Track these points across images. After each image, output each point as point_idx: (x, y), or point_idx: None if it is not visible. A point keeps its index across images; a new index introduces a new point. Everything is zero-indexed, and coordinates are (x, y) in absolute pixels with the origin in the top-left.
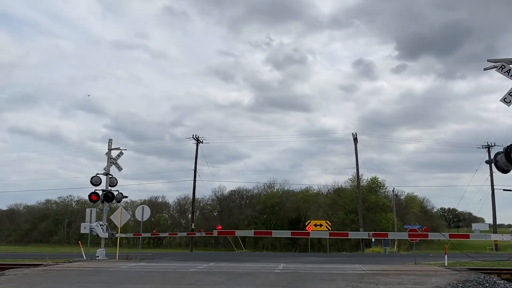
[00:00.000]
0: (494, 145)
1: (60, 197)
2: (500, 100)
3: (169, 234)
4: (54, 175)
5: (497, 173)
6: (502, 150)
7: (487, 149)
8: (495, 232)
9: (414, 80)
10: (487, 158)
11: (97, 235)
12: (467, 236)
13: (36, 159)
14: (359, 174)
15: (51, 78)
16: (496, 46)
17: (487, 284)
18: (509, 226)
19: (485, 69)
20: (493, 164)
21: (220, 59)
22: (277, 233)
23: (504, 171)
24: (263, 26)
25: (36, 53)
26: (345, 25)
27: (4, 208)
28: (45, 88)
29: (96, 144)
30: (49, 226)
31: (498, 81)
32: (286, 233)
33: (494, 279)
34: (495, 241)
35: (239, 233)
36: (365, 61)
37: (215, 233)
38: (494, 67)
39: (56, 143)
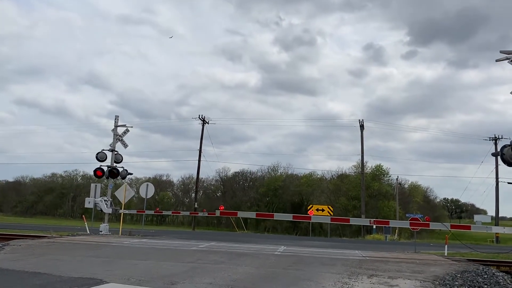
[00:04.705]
0: (502, 138)
1: (66, 171)
2: (511, 93)
3: (172, 213)
4: (60, 149)
5: (502, 166)
6: (509, 143)
7: (494, 141)
8: (496, 224)
9: (423, 67)
10: (494, 151)
11: (101, 210)
12: (469, 227)
13: (43, 132)
14: (364, 161)
15: (57, 51)
16: None
17: (486, 276)
18: (511, 219)
19: (497, 60)
20: (499, 157)
21: (228, 38)
22: (279, 216)
23: (510, 164)
24: (273, 5)
25: (43, 25)
26: (357, 7)
27: (11, 179)
28: (52, 62)
29: (101, 120)
30: (54, 199)
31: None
32: (288, 217)
33: (493, 271)
34: (496, 233)
35: (241, 214)
36: (375, 45)
37: (217, 213)
38: (507, 58)
39: (62, 117)
